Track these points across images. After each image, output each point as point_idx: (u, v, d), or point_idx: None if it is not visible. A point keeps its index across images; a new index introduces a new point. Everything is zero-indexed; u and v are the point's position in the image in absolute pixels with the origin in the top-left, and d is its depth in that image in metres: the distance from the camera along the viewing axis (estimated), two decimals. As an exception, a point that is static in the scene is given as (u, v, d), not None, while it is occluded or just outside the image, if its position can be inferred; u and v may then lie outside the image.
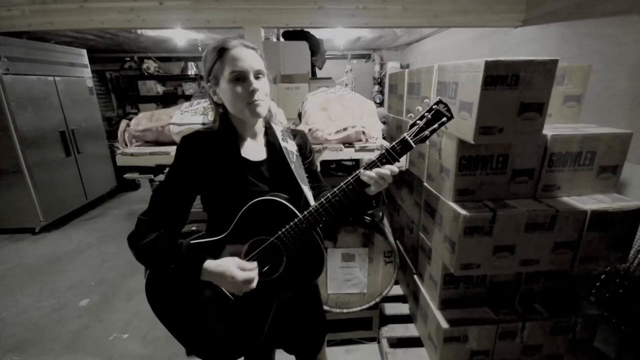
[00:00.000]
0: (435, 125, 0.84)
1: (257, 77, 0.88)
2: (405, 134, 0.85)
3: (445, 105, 0.84)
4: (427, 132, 0.85)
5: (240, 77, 0.86)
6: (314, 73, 4.14)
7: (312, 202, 0.95)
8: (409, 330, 1.85)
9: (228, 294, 0.95)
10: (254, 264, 0.92)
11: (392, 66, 6.69)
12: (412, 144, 0.84)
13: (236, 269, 0.88)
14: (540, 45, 3.01)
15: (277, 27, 4.05)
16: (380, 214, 1.97)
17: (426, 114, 0.85)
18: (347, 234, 1.71)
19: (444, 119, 0.84)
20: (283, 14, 3.08)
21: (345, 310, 1.82)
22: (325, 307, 1.79)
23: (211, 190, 0.94)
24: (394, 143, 0.85)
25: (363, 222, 1.74)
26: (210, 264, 0.88)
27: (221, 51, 0.86)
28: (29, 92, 3.43)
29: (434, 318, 1.55)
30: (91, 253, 3.21)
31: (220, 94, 0.90)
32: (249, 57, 0.86)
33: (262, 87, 0.89)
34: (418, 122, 0.85)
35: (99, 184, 4.53)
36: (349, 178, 0.88)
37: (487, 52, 3.90)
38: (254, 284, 0.90)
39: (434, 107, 0.84)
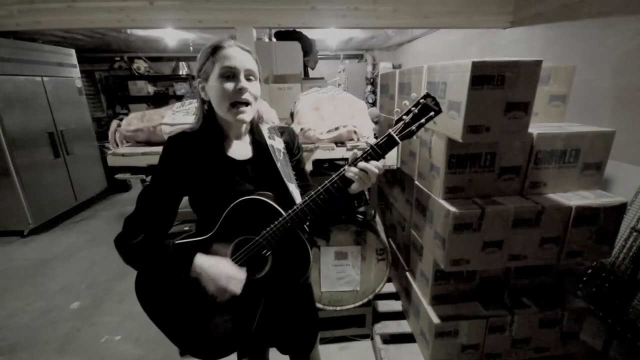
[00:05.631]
0: (422, 120, 0.81)
1: (247, 78, 0.88)
2: (390, 130, 0.82)
3: (433, 98, 0.81)
4: (413, 127, 0.81)
5: (229, 75, 0.86)
6: (306, 73, 4.15)
7: (298, 200, 0.95)
8: (402, 326, 1.87)
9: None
10: (244, 270, 0.93)
11: (384, 66, 6.75)
12: (397, 139, 0.82)
13: (231, 266, 0.90)
14: (527, 46, 3.08)
15: (270, 28, 4.06)
16: (373, 212, 1.99)
17: (413, 108, 0.81)
18: (340, 232, 1.73)
19: (432, 113, 0.80)
20: (275, 14, 3.09)
21: (338, 308, 1.84)
22: (319, 305, 1.81)
23: (197, 190, 0.94)
24: (378, 139, 0.83)
25: (355, 221, 1.76)
26: (202, 257, 0.89)
27: (215, 48, 0.86)
28: (16, 93, 3.37)
29: (425, 314, 1.58)
30: (81, 256, 3.17)
31: (208, 91, 0.90)
32: (242, 57, 0.87)
33: (252, 89, 0.89)
34: (404, 117, 0.82)
35: (89, 185, 4.47)
36: (334, 176, 0.87)
37: (476, 53, 3.96)
38: (239, 290, 0.91)
39: (421, 101, 0.81)
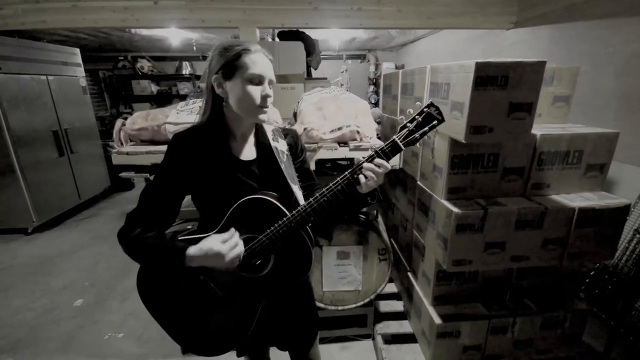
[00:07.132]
0: (426, 128, 0.85)
1: (269, 86, 0.92)
2: (395, 137, 0.86)
3: (437, 108, 0.84)
4: (417, 135, 0.85)
5: (258, 81, 0.89)
6: (309, 73, 4.15)
7: (301, 201, 0.96)
8: (403, 326, 1.87)
9: (215, 288, 0.97)
10: (232, 231, 0.90)
11: (387, 67, 6.73)
12: (402, 146, 0.85)
13: (219, 244, 0.87)
14: (531, 47, 3.07)
15: (273, 27, 4.06)
16: (375, 212, 1.99)
17: (417, 116, 0.85)
18: (342, 232, 1.73)
19: (435, 122, 0.84)
20: (278, 14, 3.10)
21: (340, 308, 1.84)
22: (321, 305, 1.81)
23: (201, 188, 0.95)
24: (383, 145, 0.86)
25: (358, 220, 1.76)
26: (193, 248, 0.88)
27: (245, 50, 0.88)
28: (21, 92, 3.40)
29: (427, 314, 1.58)
30: (85, 253, 3.19)
31: (228, 89, 0.90)
32: (268, 65, 0.91)
33: (272, 96, 0.93)
34: (408, 124, 0.85)
35: (93, 184, 4.49)
36: (338, 179, 0.89)
37: (479, 54, 3.95)
38: (241, 249, 0.89)
39: (425, 110, 0.84)
